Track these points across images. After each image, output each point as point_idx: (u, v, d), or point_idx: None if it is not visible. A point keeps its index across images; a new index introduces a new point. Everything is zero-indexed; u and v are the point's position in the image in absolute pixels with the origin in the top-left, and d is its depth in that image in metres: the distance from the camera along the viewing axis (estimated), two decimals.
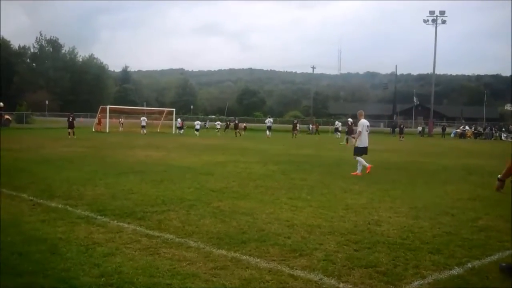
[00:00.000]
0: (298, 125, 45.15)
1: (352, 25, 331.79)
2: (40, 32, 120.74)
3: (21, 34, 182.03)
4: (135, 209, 6.95)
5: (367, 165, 12.35)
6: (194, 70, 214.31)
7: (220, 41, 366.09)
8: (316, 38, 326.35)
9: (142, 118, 41.73)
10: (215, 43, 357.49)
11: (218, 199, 8.02)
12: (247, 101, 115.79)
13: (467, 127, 59.40)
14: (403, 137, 41.24)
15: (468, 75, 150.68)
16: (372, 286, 4.11)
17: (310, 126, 56.65)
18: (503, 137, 50.50)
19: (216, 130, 46.72)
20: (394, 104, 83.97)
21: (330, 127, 51.95)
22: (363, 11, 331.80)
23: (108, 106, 43.29)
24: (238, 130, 42.33)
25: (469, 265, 4.72)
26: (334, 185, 10.22)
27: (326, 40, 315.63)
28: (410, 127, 71.27)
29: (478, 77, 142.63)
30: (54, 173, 11.01)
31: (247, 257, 4.79)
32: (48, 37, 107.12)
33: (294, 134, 41.05)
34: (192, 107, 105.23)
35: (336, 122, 47.31)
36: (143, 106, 77.90)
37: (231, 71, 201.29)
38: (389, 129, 59.26)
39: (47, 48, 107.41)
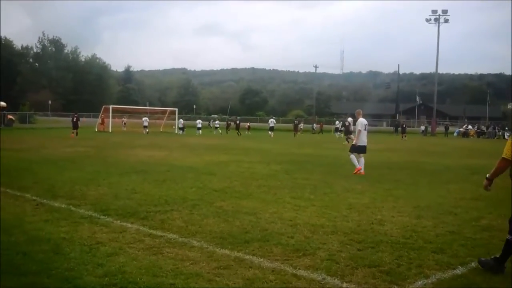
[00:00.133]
0: (301, 124, 45.08)
1: (354, 25, 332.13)
2: (42, 32, 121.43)
3: (24, 34, 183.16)
4: (138, 209, 6.96)
5: (357, 166, 12.35)
6: (196, 69, 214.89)
7: (222, 40, 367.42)
8: (318, 37, 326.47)
9: (144, 118, 41.84)
10: (217, 43, 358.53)
11: (221, 199, 8.02)
12: (249, 101, 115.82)
13: (470, 126, 59.29)
14: (405, 137, 41.16)
15: (471, 74, 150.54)
16: (376, 285, 4.11)
17: (314, 125, 56.59)
18: (506, 136, 50.27)
19: (213, 130, 46.36)
20: (397, 103, 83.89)
21: (333, 127, 51.88)
22: (366, 11, 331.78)
23: (111, 106, 43.39)
24: (238, 130, 42.29)
25: (473, 264, 4.71)
26: (337, 184, 10.21)
27: (328, 40, 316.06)
28: (413, 127, 71.22)
29: (481, 76, 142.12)
30: (57, 173, 11.03)
31: (250, 257, 4.79)
32: (50, 37, 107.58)
33: (296, 134, 41.02)
34: (194, 106, 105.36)
35: (336, 122, 47.24)
36: (145, 106, 77.97)
37: (234, 70, 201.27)
38: (391, 129, 59.17)
39: (49, 48, 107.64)
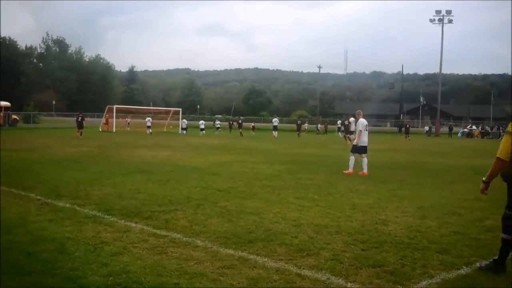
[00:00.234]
0: (305, 124, 44.97)
1: (357, 25, 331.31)
2: (46, 32, 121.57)
3: (28, 35, 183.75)
4: (142, 209, 6.97)
5: (351, 169, 12.35)
6: (200, 70, 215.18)
7: (226, 41, 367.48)
8: (321, 37, 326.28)
9: (147, 119, 41.91)
10: (220, 43, 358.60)
11: (225, 199, 8.03)
12: (253, 101, 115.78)
13: (474, 127, 59.09)
14: (409, 137, 41.05)
15: (475, 74, 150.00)
16: (380, 285, 4.10)
17: (318, 125, 56.50)
18: None
19: (215, 130, 46.08)
20: (401, 104, 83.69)
21: (336, 127, 51.79)
22: (368, 11, 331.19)
23: (115, 106, 43.51)
24: (241, 130, 42.24)
25: (477, 264, 4.70)
26: (341, 184, 10.20)
27: (331, 40, 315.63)
28: (416, 127, 71.03)
29: (485, 76, 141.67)
30: (61, 173, 11.07)
31: (254, 257, 4.79)
32: (54, 37, 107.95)
33: (300, 134, 40.95)
34: (198, 107, 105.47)
35: (338, 122, 47.15)
36: (149, 106, 78.12)
37: (237, 71, 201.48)
38: (395, 129, 59.03)
39: (53, 48, 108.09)
